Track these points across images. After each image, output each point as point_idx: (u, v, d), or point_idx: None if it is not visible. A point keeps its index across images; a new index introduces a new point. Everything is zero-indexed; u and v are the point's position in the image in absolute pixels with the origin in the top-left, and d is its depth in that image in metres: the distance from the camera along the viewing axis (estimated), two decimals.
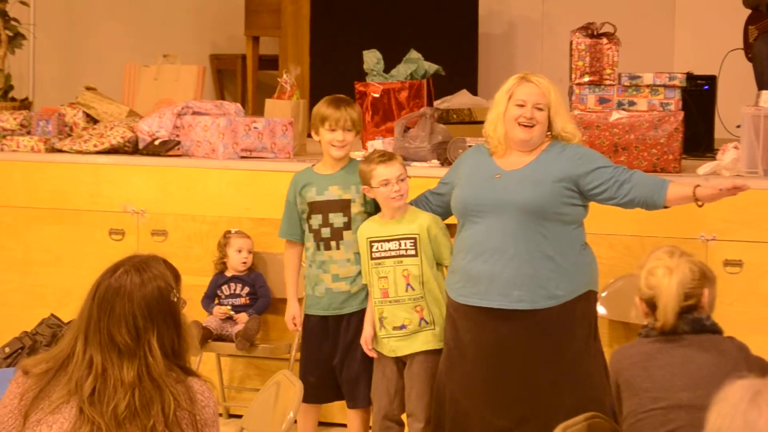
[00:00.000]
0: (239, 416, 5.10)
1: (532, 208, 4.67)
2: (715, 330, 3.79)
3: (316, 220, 5.24)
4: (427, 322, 5.00)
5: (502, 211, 4.70)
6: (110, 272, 3.01)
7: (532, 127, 4.74)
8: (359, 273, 5.18)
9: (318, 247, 5.23)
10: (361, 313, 5.18)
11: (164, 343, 2.97)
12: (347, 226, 5.20)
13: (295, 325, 5.33)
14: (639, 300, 3.84)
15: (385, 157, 5.08)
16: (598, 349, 4.85)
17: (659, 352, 3.78)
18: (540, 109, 4.74)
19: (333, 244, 5.21)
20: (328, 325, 5.24)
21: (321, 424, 5.96)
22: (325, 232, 5.22)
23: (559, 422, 4.62)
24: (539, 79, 4.79)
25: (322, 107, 5.26)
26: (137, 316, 2.95)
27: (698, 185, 4.66)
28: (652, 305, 3.79)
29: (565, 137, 4.79)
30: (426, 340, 5.01)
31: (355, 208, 5.21)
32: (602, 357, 4.86)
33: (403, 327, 5.00)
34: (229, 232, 6.09)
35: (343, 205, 5.21)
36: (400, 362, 5.07)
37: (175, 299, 3.01)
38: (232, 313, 5.95)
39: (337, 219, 5.21)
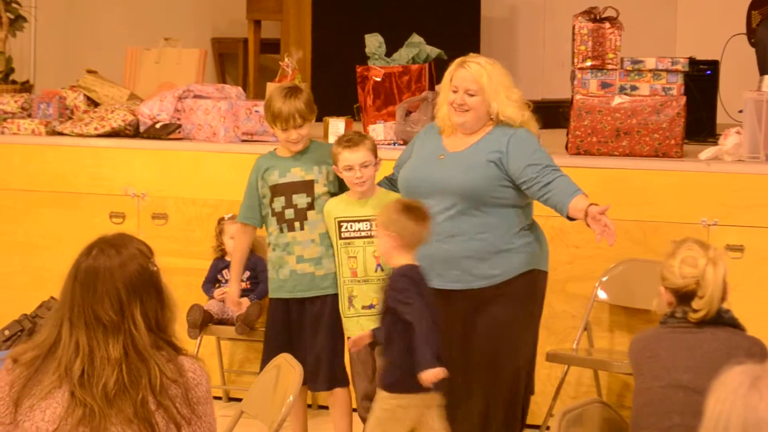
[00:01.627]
0: (239, 399, 5.09)
1: (468, 192, 4.75)
2: (732, 323, 3.84)
3: (279, 202, 5.26)
4: None
5: (438, 193, 4.78)
6: (86, 254, 3.00)
7: (464, 112, 4.81)
8: (323, 255, 5.21)
9: (281, 230, 5.26)
10: (323, 298, 5.23)
11: (148, 315, 2.95)
12: (311, 206, 5.23)
13: (240, 306, 5.44)
14: (665, 289, 3.87)
15: (351, 142, 5.12)
16: (534, 324, 4.92)
17: (670, 335, 3.82)
18: (471, 95, 4.79)
19: (297, 225, 5.23)
20: (290, 309, 5.28)
21: (321, 407, 5.97)
22: (289, 213, 5.24)
23: (498, 393, 4.72)
24: (474, 63, 4.84)
25: (271, 104, 5.26)
26: (120, 290, 2.94)
27: (594, 204, 4.56)
28: (683, 295, 3.82)
29: (506, 122, 4.82)
30: None
31: (319, 189, 5.24)
32: (536, 331, 4.95)
33: (372, 306, 5.05)
34: (222, 218, 6.07)
35: (307, 186, 5.24)
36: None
37: (155, 269, 3.00)
38: None
39: (300, 200, 5.23)
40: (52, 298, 6.03)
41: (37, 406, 2.90)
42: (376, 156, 5.14)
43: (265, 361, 5.23)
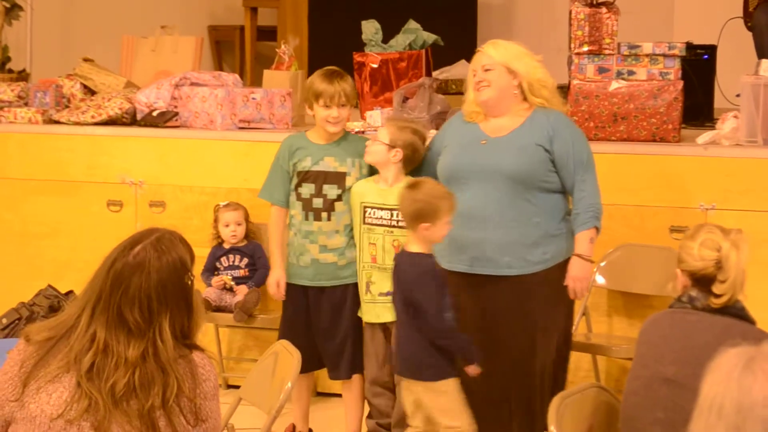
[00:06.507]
0: (237, 387, 5.09)
1: (518, 174, 4.70)
2: (740, 315, 3.69)
3: (308, 189, 5.23)
4: None
5: (487, 178, 4.72)
6: (128, 248, 2.93)
7: (485, 87, 4.81)
8: (346, 246, 5.21)
9: (306, 217, 5.23)
10: (344, 286, 5.22)
11: (175, 327, 2.91)
12: (340, 198, 5.21)
13: (279, 288, 5.27)
14: (681, 272, 3.74)
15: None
16: (569, 313, 4.92)
17: (668, 322, 3.73)
18: (488, 70, 4.81)
19: (324, 215, 5.21)
20: (309, 296, 5.26)
21: (320, 394, 5.98)
22: (317, 202, 5.21)
23: (533, 383, 4.69)
24: (487, 44, 4.89)
25: (315, 82, 5.23)
26: (152, 297, 2.88)
27: (581, 255, 4.75)
28: (700, 278, 3.69)
29: (542, 104, 4.82)
30: None
31: (350, 182, 5.21)
32: (571, 320, 4.97)
33: (388, 294, 5.03)
34: (218, 206, 6.06)
35: (339, 178, 5.21)
36: (388, 329, 5.10)
37: (190, 282, 2.94)
38: (233, 283, 5.94)
39: (331, 191, 5.21)
40: (49, 286, 6.03)
41: (43, 388, 2.88)
42: (392, 144, 5.08)
43: None
